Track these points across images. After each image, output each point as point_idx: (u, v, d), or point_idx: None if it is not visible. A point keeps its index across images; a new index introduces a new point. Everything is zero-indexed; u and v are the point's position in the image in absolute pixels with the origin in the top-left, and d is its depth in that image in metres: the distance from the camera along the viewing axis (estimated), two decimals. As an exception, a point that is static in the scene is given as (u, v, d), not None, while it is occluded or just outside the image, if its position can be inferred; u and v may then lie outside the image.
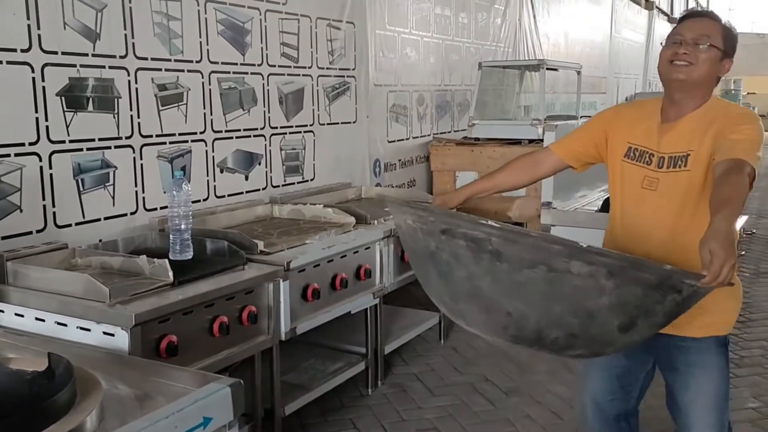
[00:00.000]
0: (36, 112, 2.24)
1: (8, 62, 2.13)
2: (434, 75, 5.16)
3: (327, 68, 3.76)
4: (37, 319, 1.92)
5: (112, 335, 1.80)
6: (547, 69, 4.98)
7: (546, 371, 3.20)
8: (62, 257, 2.18)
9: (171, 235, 2.28)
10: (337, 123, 3.88)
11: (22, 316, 1.95)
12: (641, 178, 1.79)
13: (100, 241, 2.45)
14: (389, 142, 4.55)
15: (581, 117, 5.47)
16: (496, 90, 5.76)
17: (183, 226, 2.28)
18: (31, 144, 2.23)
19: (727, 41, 1.74)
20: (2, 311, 1.98)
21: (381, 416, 2.80)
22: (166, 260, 2.04)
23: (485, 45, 5.96)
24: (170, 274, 2.01)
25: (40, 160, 2.26)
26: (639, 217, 1.80)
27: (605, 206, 3.84)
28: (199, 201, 2.94)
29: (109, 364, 1.65)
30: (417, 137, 4.94)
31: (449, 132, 5.41)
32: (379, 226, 2.93)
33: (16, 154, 2.18)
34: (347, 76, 3.94)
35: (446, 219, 1.43)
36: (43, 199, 2.28)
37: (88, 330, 1.83)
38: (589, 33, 8.74)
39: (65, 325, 1.87)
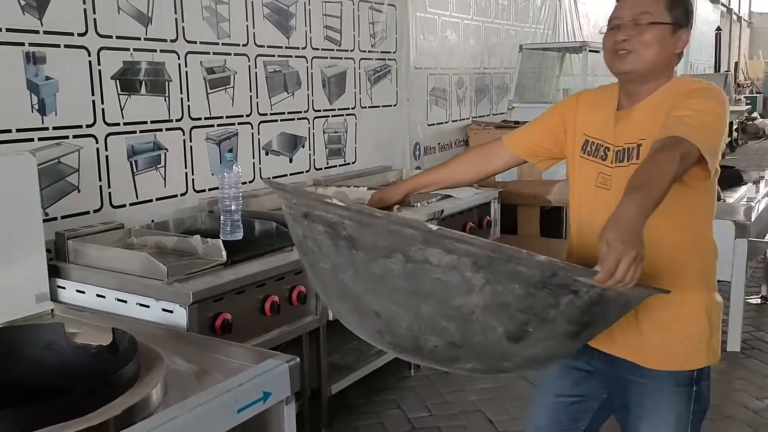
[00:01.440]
0: (92, 95, 2.29)
1: (66, 46, 2.19)
2: (474, 58, 5.13)
3: (369, 51, 3.77)
4: (98, 295, 1.99)
5: (171, 312, 1.85)
6: (590, 51, 4.90)
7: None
8: (119, 236, 2.24)
9: (221, 216, 2.33)
10: (378, 106, 3.90)
11: (83, 292, 2.02)
12: (596, 175, 1.53)
13: (152, 221, 2.51)
14: (429, 125, 4.56)
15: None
16: (536, 73, 5.71)
17: (233, 207, 2.32)
18: (88, 126, 2.28)
19: (675, 9, 1.47)
20: (63, 288, 2.05)
21: (424, 397, 2.83)
22: (220, 240, 2.09)
23: (524, 27, 5.90)
24: (223, 254, 2.05)
25: (97, 142, 2.32)
26: (593, 222, 1.46)
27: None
28: (245, 183, 2.98)
29: (168, 340, 1.71)
30: (456, 120, 4.93)
31: (488, 115, 5.39)
32: (422, 209, 2.95)
33: (74, 136, 2.24)
34: (388, 59, 3.95)
35: (306, 201, 1.20)
36: (100, 179, 2.34)
37: (147, 306, 1.89)
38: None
39: (125, 301, 1.93)
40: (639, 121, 1.49)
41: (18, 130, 2.06)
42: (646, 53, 1.45)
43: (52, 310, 1.98)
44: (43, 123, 2.13)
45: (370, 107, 3.82)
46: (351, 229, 1.11)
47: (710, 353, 1.50)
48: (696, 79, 1.52)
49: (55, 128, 2.17)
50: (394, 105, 4.05)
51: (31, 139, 2.10)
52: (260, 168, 3.08)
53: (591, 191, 1.54)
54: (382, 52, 3.87)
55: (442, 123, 4.73)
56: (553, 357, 1.28)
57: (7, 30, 2.01)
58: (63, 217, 2.21)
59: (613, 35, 1.50)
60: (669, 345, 1.47)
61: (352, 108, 3.67)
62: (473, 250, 1.05)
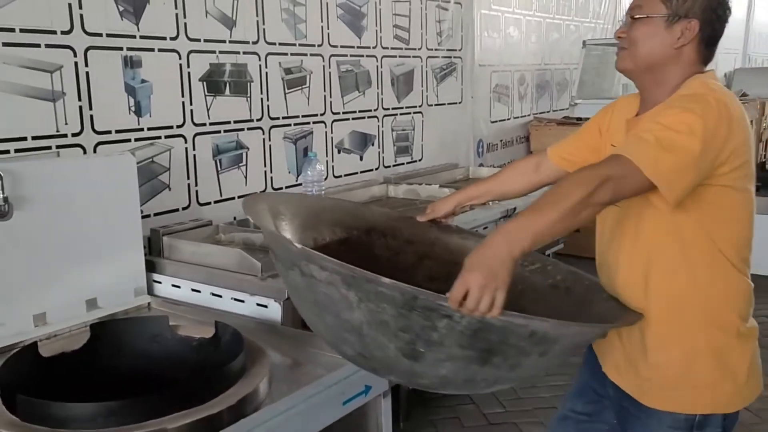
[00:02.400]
0: (182, 96, 2.38)
1: (159, 50, 2.28)
2: (535, 54, 5.10)
3: (435, 49, 3.79)
4: (193, 290, 2.07)
5: (265, 306, 1.92)
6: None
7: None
8: (208, 233, 2.32)
9: (305, 214, 2.38)
10: (444, 104, 3.92)
11: (178, 287, 2.10)
12: None
13: (234, 218, 2.59)
14: (492, 122, 4.56)
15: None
16: (597, 68, 5.63)
17: (316, 205, 2.38)
18: (178, 127, 2.37)
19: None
20: (159, 282, 2.13)
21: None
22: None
23: (585, 22, 5.83)
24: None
25: (186, 142, 2.41)
26: (602, 243, 1.44)
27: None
28: (316, 182, 3.04)
29: (264, 334, 1.77)
30: (518, 117, 4.91)
31: (548, 112, 5.35)
32: (495, 207, 2.95)
33: (166, 137, 2.33)
34: (454, 57, 3.96)
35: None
36: (188, 178, 2.43)
37: (242, 301, 1.96)
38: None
39: (220, 296, 2.01)
40: None
41: (117, 131, 2.16)
42: (635, 50, 1.34)
43: (149, 303, 2.07)
44: (138, 124, 2.22)
45: (436, 105, 3.84)
46: (268, 243, 1.23)
47: (721, 399, 1.34)
48: (709, 83, 1.32)
49: (149, 129, 2.26)
50: (459, 102, 4.07)
51: (129, 140, 2.19)
52: (333, 166, 3.14)
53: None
54: (448, 50, 3.89)
55: (504, 120, 4.72)
56: (474, 380, 1.19)
57: (108, 35, 2.10)
58: (155, 215, 2.31)
59: (616, 31, 1.43)
60: (666, 385, 1.35)
61: (419, 106, 3.70)
62: (338, 269, 1.08)
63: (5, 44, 1.83)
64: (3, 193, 1.70)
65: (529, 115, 5.06)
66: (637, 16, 1.34)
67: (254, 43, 2.65)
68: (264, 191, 2.77)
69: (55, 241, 1.84)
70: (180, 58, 2.35)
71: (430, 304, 1.07)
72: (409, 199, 3.13)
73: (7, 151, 1.86)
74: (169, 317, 1.78)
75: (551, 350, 1.16)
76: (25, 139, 1.90)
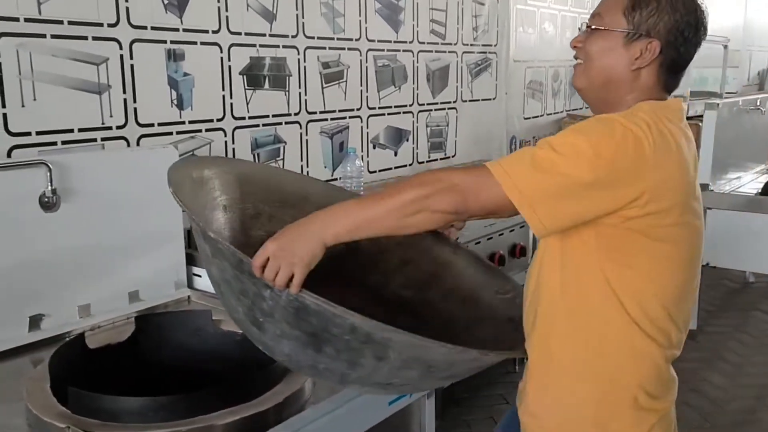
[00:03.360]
0: (223, 90, 2.38)
1: (202, 43, 2.27)
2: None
3: (471, 44, 3.75)
4: (233, 284, 2.06)
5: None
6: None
7: (698, 359, 3.11)
8: (246, 227, 2.32)
9: (343, 210, 2.37)
10: (478, 100, 3.88)
11: (218, 281, 2.10)
12: None
13: (271, 212, 2.59)
14: (525, 118, 4.50)
15: (725, 94, 5.19)
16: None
17: (354, 201, 2.37)
18: (218, 120, 2.37)
19: (638, 12, 1.17)
20: (199, 275, 2.14)
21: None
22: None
23: (620, 18, 5.73)
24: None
25: (225, 136, 2.41)
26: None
27: (766, 189, 3.67)
28: (352, 177, 3.03)
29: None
30: (550, 114, 4.85)
31: (580, 109, 5.28)
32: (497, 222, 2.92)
33: (207, 130, 2.33)
34: (489, 53, 3.92)
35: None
36: (227, 172, 2.43)
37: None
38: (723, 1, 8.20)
39: (260, 291, 2.00)
40: None
41: (159, 124, 2.16)
42: (589, 65, 1.21)
43: (188, 296, 2.08)
44: (180, 117, 2.23)
45: (470, 101, 3.81)
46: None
47: None
48: (653, 111, 1.14)
49: (190, 122, 2.26)
50: (493, 99, 4.03)
51: (170, 133, 2.20)
52: (368, 161, 3.13)
53: None
54: (483, 45, 3.85)
55: (537, 116, 4.67)
56: (318, 368, 1.18)
57: (152, 28, 2.10)
58: (196, 208, 2.31)
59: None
60: None
61: (454, 102, 3.67)
62: (196, 222, 1.15)
63: (54, 36, 1.84)
64: (52, 185, 1.71)
65: (561, 111, 5.00)
66: (595, 27, 1.20)
67: (293, 36, 2.64)
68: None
69: (99, 234, 1.85)
70: (221, 52, 2.35)
71: (250, 269, 1.07)
72: (444, 195, 3.10)
73: (54, 143, 1.87)
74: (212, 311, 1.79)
75: (388, 357, 1.10)
76: (71, 131, 1.91)
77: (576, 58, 1.25)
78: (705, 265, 3.34)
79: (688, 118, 5.00)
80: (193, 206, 1.28)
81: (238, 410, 1.33)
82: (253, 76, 2.48)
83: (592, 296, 1.15)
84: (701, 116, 4.74)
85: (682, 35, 1.18)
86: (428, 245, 1.54)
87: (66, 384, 1.37)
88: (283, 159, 2.66)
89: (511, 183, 1.06)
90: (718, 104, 3.50)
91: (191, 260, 2.13)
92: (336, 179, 2.92)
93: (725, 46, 5.30)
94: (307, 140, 2.77)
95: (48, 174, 1.70)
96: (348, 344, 1.09)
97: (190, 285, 2.10)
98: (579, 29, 1.27)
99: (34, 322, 1.74)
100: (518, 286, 1.43)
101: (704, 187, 3.20)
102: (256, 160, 2.55)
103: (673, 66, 1.20)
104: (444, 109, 3.60)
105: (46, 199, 1.72)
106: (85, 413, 1.31)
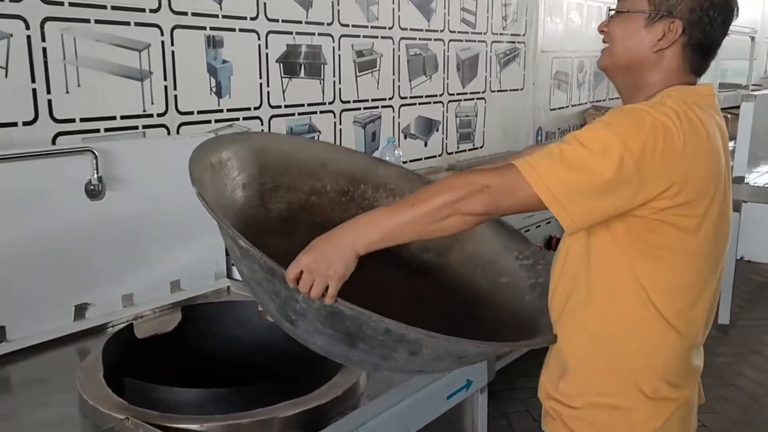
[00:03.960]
0: (260, 78, 2.34)
1: (240, 30, 2.24)
2: (593, 40, 4.96)
3: (500, 34, 3.70)
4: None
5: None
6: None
7: (732, 353, 3.08)
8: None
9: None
10: (506, 90, 3.83)
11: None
12: None
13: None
14: (551, 109, 4.45)
15: (752, 86, 5.12)
16: (658, 56, 5.49)
17: (392, 191, 2.33)
18: (255, 108, 2.34)
19: None
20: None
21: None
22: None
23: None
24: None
25: (262, 124, 2.38)
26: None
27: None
28: (385, 166, 3.00)
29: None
30: (575, 105, 4.80)
31: (604, 100, 5.22)
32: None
33: (244, 118, 2.30)
34: (518, 42, 3.87)
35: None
36: (263, 161, 2.40)
37: (326, 288, 1.93)
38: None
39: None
40: None
41: (199, 112, 2.13)
42: (613, 48, 1.21)
43: (228, 287, 2.06)
44: (219, 105, 2.20)
45: (498, 91, 3.76)
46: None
47: None
48: (682, 97, 1.12)
49: (228, 110, 2.23)
50: (521, 89, 3.98)
51: (209, 121, 2.17)
52: (398, 152, 3.09)
53: None
54: (512, 34, 3.80)
55: (563, 107, 4.61)
56: (351, 359, 1.19)
57: (193, 14, 2.07)
58: (233, 197, 2.28)
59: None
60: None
61: (483, 92, 3.63)
62: (226, 226, 1.14)
63: (97, 21, 1.81)
64: (97, 172, 1.69)
65: (586, 103, 4.95)
66: (618, 11, 1.21)
67: (329, 24, 2.60)
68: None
69: (142, 222, 1.83)
70: (259, 39, 2.32)
71: (274, 269, 1.08)
72: (477, 186, 3.06)
73: (97, 130, 1.85)
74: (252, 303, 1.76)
75: (421, 352, 1.11)
76: (114, 118, 1.89)
77: (604, 42, 1.25)
78: (739, 259, 3.30)
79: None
80: (218, 204, 1.27)
81: (298, 403, 1.30)
82: (290, 64, 2.45)
83: (618, 287, 1.15)
84: (729, 108, 4.68)
85: (706, 15, 1.16)
86: None
87: (119, 374, 1.35)
88: (317, 148, 2.63)
89: (541, 182, 1.05)
90: (755, 95, 3.44)
91: (230, 250, 2.11)
92: (368, 169, 2.89)
93: (752, 38, 5.23)
94: (340, 129, 2.74)
95: (94, 162, 1.68)
96: (382, 343, 1.09)
97: (229, 275, 2.08)
98: (607, 15, 1.26)
99: (80, 311, 1.72)
100: (538, 250, 1.44)
101: (740, 179, 3.14)
102: (292, 150, 2.51)
103: (699, 47, 1.17)
104: (473, 99, 3.56)
105: (92, 187, 1.70)
106: (142, 404, 1.29)
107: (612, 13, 1.23)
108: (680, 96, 1.12)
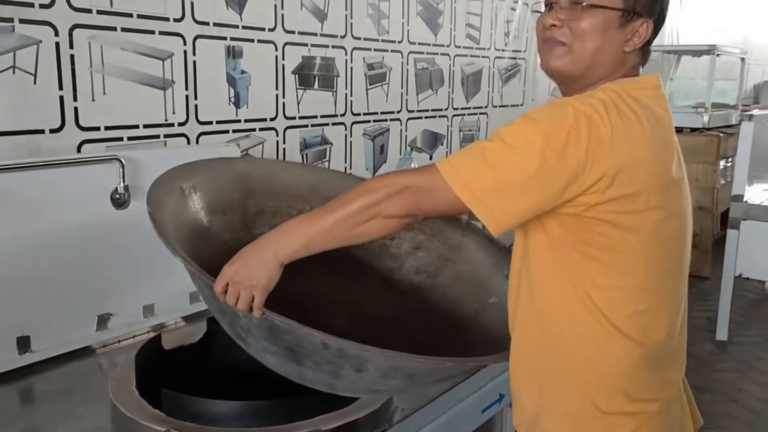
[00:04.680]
0: (276, 89, 2.34)
1: (258, 41, 2.24)
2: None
3: (502, 50, 3.74)
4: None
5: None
6: (718, 55, 4.76)
7: (733, 369, 3.12)
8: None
9: (396, 213, 2.35)
10: (507, 105, 3.87)
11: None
12: None
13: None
14: (548, 125, 4.51)
15: (742, 107, 5.23)
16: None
17: (407, 204, 2.34)
18: (271, 119, 2.34)
19: None
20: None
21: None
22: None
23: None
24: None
25: (277, 135, 2.37)
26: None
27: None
28: (392, 179, 3.01)
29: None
30: (571, 121, 4.87)
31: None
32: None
33: (260, 129, 2.29)
34: (519, 59, 3.91)
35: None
36: (277, 172, 2.40)
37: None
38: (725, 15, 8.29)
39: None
40: None
41: (217, 122, 2.12)
42: (581, 47, 1.09)
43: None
44: (236, 115, 2.19)
45: (500, 106, 3.80)
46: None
47: None
48: (616, 89, 1.05)
49: (245, 121, 2.22)
50: (521, 105, 4.02)
51: (227, 131, 2.16)
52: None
53: None
54: (513, 51, 3.84)
55: (559, 123, 4.68)
56: (305, 378, 1.19)
57: (214, 24, 2.06)
58: (249, 208, 2.27)
59: (542, 18, 1.14)
60: None
61: (485, 107, 3.66)
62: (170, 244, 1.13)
63: (124, 29, 1.80)
64: (124, 181, 1.68)
65: (580, 119, 5.02)
66: (590, 4, 1.08)
67: (342, 37, 2.61)
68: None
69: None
70: (276, 50, 2.32)
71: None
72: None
73: (121, 139, 1.83)
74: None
75: (366, 369, 1.09)
76: (137, 127, 1.87)
77: (546, 38, 1.14)
78: (738, 276, 3.35)
79: (707, 129, 4.94)
80: (184, 227, 1.27)
81: (337, 416, 1.29)
82: (304, 76, 2.45)
83: (560, 290, 1.08)
84: (720, 127, 4.77)
85: (662, 14, 1.14)
86: (439, 227, 1.52)
87: (151, 385, 1.33)
88: (329, 160, 2.63)
89: (462, 182, 1.00)
90: (753, 115, 3.51)
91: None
92: (376, 182, 2.89)
93: (743, 59, 5.34)
94: (351, 142, 2.74)
95: (120, 170, 1.67)
96: (325, 357, 1.09)
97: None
98: (547, 5, 1.14)
99: (102, 321, 1.70)
100: None
101: (738, 198, 3.20)
102: (304, 161, 2.51)
103: (649, 44, 1.15)
104: (476, 114, 3.59)
105: (118, 196, 1.68)
106: (180, 416, 1.27)
107: (566, 4, 1.10)
108: (614, 87, 1.06)
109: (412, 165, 2.34)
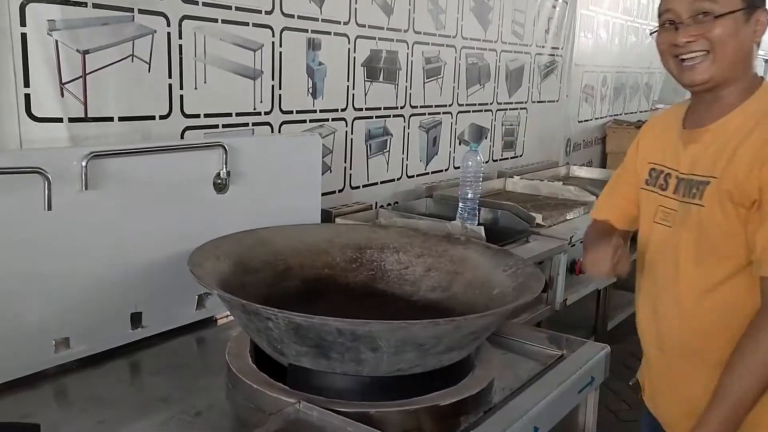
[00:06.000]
0: (347, 80, 2.42)
1: (334, 33, 2.31)
2: (615, 56, 5.11)
3: (542, 46, 3.82)
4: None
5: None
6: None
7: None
8: (369, 216, 2.37)
9: (460, 203, 2.43)
10: (544, 101, 3.95)
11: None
12: (654, 208, 1.35)
13: (376, 203, 2.63)
14: (579, 122, 4.58)
15: None
16: (674, 74, 5.65)
17: (471, 195, 2.42)
18: (342, 110, 2.41)
19: None
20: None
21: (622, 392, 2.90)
22: (482, 227, 2.18)
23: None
24: (484, 237, 2.15)
25: (346, 126, 2.45)
26: (648, 266, 1.38)
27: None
28: (441, 171, 3.09)
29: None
30: (599, 118, 4.94)
31: (620, 114, 5.37)
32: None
33: (333, 119, 2.37)
34: (557, 55, 3.99)
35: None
36: (344, 161, 2.47)
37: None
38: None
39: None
40: (713, 148, 1.21)
41: (297, 112, 2.20)
42: (722, 54, 1.17)
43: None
44: (313, 106, 2.26)
45: (538, 102, 3.87)
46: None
47: None
48: None
49: (321, 111, 2.30)
50: (557, 101, 4.10)
51: (304, 121, 2.24)
52: (454, 157, 3.18)
53: (647, 227, 1.38)
54: (552, 47, 3.92)
55: (588, 120, 4.75)
56: (328, 371, 1.32)
57: (298, 17, 2.13)
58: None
59: (670, 37, 1.21)
60: None
61: (525, 102, 3.74)
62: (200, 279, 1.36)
63: (224, 21, 1.86)
64: (226, 167, 1.74)
65: (606, 116, 5.09)
66: (717, 14, 1.14)
67: (405, 31, 2.68)
68: (400, 179, 2.82)
69: (251, 217, 1.87)
70: (349, 43, 2.39)
71: (255, 310, 1.25)
72: (530, 194, 3.16)
73: (216, 126, 1.90)
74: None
75: (380, 347, 1.22)
76: (230, 115, 1.94)
77: (684, 56, 1.21)
78: None
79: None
80: (223, 283, 1.45)
81: (452, 393, 1.36)
82: (372, 69, 2.53)
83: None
84: None
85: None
86: (443, 249, 1.71)
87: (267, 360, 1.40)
88: (389, 151, 2.71)
89: None
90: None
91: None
92: (428, 173, 2.98)
93: (766, 61, 5.43)
94: (408, 133, 2.82)
95: (224, 156, 1.73)
96: (344, 345, 1.23)
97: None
98: (661, 27, 1.23)
99: (200, 300, 1.77)
100: (518, 259, 1.58)
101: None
102: (368, 151, 2.59)
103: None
104: (517, 109, 3.67)
105: (220, 181, 1.75)
106: (304, 389, 1.33)
107: (693, 17, 1.17)
108: None
109: (478, 157, 2.42)
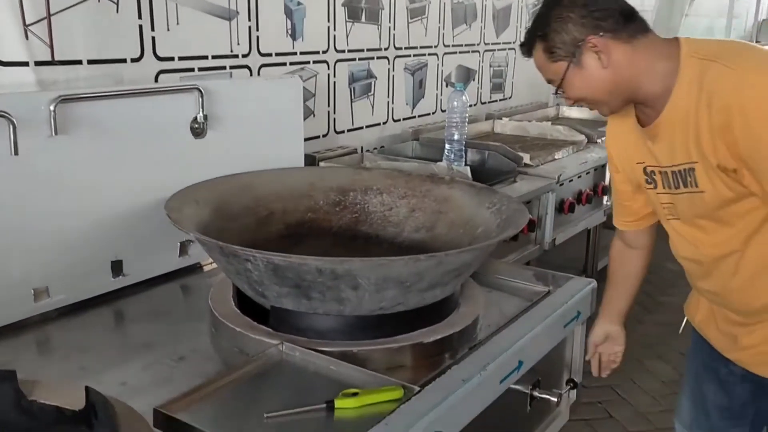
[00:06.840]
0: (328, 21, 2.35)
1: (311, -29, 2.23)
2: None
3: (531, -17, 3.72)
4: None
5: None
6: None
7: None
8: (354, 160, 2.34)
9: (446, 145, 2.39)
10: (534, 41, 3.86)
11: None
12: (659, 207, 1.43)
13: (361, 147, 2.59)
14: (569, 62, 4.51)
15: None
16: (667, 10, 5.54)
17: (457, 137, 2.39)
18: (323, 52, 2.35)
19: (558, 47, 1.24)
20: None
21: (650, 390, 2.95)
22: (468, 167, 2.16)
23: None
24: (470, 177, 2.12)
25: (328, 68, 2.39)
26: (689, 264, 1.47)
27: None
28: (428, 114, 3.04)
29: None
30: (590, 59, 4.86)
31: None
32: (608, 146, 2.96)
33: (314, 62, 2.31)
34: (545, -7, 3.88)
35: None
36: (328, 105, 2.42)
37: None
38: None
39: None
40: (676, 135, 1.24)
41: (276, 54, 2.14)
42: (594, 96, 1.28)
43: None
44: (293, 48, 2.20)
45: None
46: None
47: None
48: (698, 47, 1.22)
49: (301, 53, 2.24)
50: (546, 40, 4.01)
51: (284, 64, 2.18)
52: (441, 100, 3.12)
53: (665, 225, 1.45)
54: (541, -15, 3.81)
55: (579, 61, 4.68)
56: (310, 312, 1.32)
57: (273, -46, 2.06)
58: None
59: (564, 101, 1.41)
60: None
61: (513, 42, 3.66)
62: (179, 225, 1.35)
63: (193, -41, 1.79)
64: (203, 111, 1.70)
65: (597, 56, 5.02)
66: (557, 83, 1.28)
67: (386, -32, 2.60)
68: (386, 123, 2.77)
69: (232, 163, 1.83)
70: (327, -19, 2.31)
71: (233, 251, 1.25)
72: (518, 135, 3.12)
73: (192, 69, 1.85)
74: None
75: (360, 285, 1.21)
76: (206, 57, 1.89)
77: (585, 104, 1.35)
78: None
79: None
80: (201, 227, 1.43)
81: (436, 330, 1.36)
82: (353, 8, 2.45)
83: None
84: None
85: (590, 13, 1.22)
86: (427, 189, 1.70)
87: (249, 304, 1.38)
88: (373, 95, 2.66)
89: None
90: None
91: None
92: (414, 116, 2.93)
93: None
94: (393, 76, 2.76)
95: (200, 100, 1.69)
96: (325, 284, 1.22)
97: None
98: (554, 94, 1.36)
99: (183, 248, 1.75)
100: (503, 196, 1.58)
101: None
102: (352, 95, 2.53)
103: (622, 24, 1.22)
104: (505, 49, 3.59)
105: (197, 125, 1.71)
106: (287, 330, 1.33)
107: (558, 92, 1.32)
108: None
109: (463, 97, 2.37)
